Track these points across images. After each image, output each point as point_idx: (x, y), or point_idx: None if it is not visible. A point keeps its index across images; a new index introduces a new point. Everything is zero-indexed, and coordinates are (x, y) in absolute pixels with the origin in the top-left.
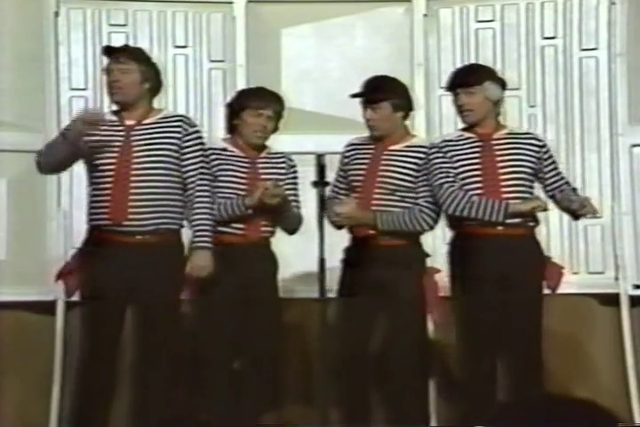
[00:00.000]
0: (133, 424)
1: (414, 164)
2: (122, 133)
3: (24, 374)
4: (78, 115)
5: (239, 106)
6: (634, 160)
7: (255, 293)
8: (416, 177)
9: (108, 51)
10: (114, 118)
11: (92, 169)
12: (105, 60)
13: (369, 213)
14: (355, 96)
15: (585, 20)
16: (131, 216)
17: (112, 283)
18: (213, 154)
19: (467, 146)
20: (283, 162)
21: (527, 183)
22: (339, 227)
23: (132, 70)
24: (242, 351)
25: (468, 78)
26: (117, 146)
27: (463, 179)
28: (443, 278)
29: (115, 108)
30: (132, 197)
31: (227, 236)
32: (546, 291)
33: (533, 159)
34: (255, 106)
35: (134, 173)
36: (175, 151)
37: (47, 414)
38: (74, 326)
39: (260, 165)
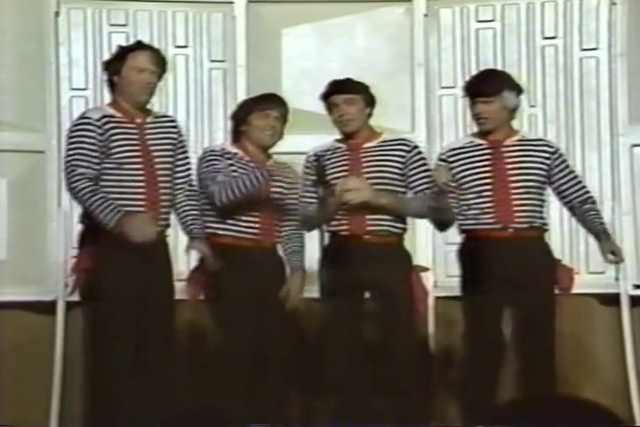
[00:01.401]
0: (150, 419)
1: (399, 156)
2: (135, 131)
3: (24, 374)
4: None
5: (245, 112)
6: (634, 160)
7: (266, 296)
8: (403, 170)
9: (144, 46)
10: (119, 115)
11: (113, 167)
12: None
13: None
14: (331, 93)
15: (585, 20)
16: (162, 216)
17: (135, 281)
18: (229, 158)
19: (477, 153)
20: (289, 172)
21: (537, 191)
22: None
23: (159, 73)
24: (255, 352)
25: (485, 88)
26: (135, 144)
27: (472, 186)
28: (429, 277)
29: (107, 101)
30: (162, 197)
31: (240, 240)
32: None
33: (544, 166)
34: (261, 108)
35: (159, 173)
36: (173, 151)
37: (47, 414)
38: (76, 325)
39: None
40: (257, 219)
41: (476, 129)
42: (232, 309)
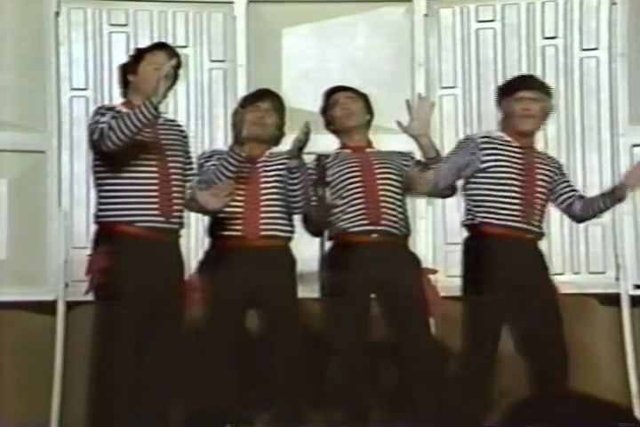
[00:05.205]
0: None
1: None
2: (149, 130)
3: (24, 374)
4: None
5: (240, 108)
6: (634, 160)
7: (260, 297)
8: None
9: (163, 46)
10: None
11: (128, 164)
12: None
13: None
14: (334, 90)
15: (586, 19)
16: (175, 213)
17: (149, 281)
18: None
19: (509, 149)
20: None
21: (547, 198)
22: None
23: (174, 75)
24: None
25: (541, 84)
26: (149, 142)
27: (502, 178)
28: (438, 279)
29: (119, 101)
30: (175, 195)
31: (227, 240)
32: None
33: (554, 178)
34: (251, 101)
35: (173, 171)
36: (183, 152)
37: (47, 414)
38: (76, 325)
39: (260, 165)
40: (239, 215)
41: (481, 128)
42: (220, 311)
